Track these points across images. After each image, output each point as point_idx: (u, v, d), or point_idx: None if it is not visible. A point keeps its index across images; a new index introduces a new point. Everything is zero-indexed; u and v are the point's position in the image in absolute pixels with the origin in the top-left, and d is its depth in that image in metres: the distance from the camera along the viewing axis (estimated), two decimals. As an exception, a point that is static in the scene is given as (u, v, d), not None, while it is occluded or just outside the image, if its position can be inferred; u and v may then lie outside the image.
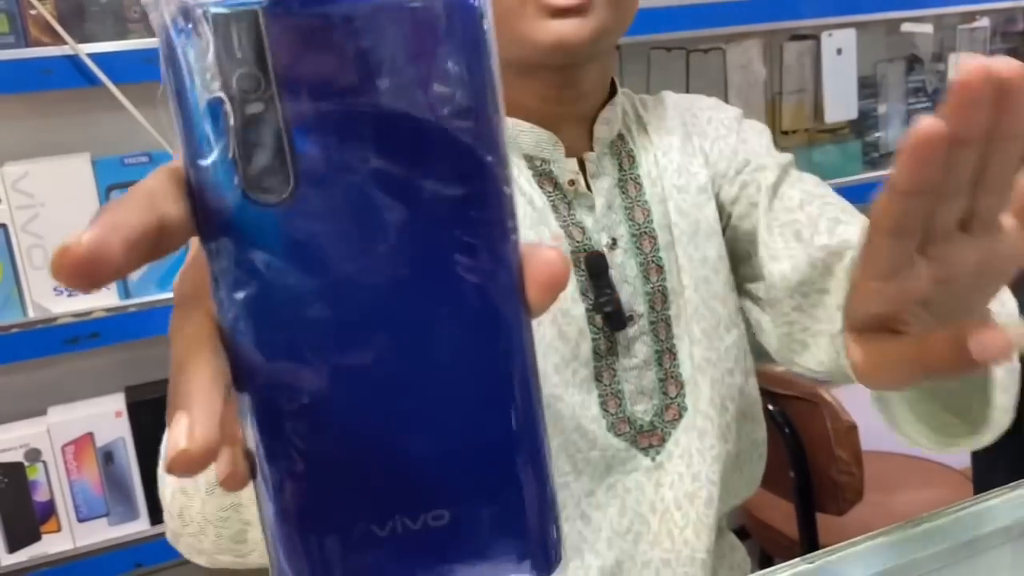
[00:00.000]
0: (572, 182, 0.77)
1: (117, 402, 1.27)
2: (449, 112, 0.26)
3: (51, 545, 1.26)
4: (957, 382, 0.59)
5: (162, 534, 1.30)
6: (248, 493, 0.56)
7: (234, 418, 0.27)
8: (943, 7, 1.80)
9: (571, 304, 0.76)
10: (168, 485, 0.62)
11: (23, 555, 1.24)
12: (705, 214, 0.81)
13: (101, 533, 1.28)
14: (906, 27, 1.83)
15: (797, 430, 1.37)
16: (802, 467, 1.37)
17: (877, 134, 1.81)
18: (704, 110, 0.86)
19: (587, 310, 0.76)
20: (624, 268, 0.78)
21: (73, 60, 1.19)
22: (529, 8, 0.69)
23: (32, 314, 1.21)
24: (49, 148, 1.24)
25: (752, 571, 0.76)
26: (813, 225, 0.76)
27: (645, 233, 0.79)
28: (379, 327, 0.26)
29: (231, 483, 0.27)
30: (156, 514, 1.29)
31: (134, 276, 1.25)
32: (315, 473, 0.27)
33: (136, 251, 0.25)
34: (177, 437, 0.25)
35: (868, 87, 1.78)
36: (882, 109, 1.81)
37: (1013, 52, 1.92)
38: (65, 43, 1.18)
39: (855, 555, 0.61)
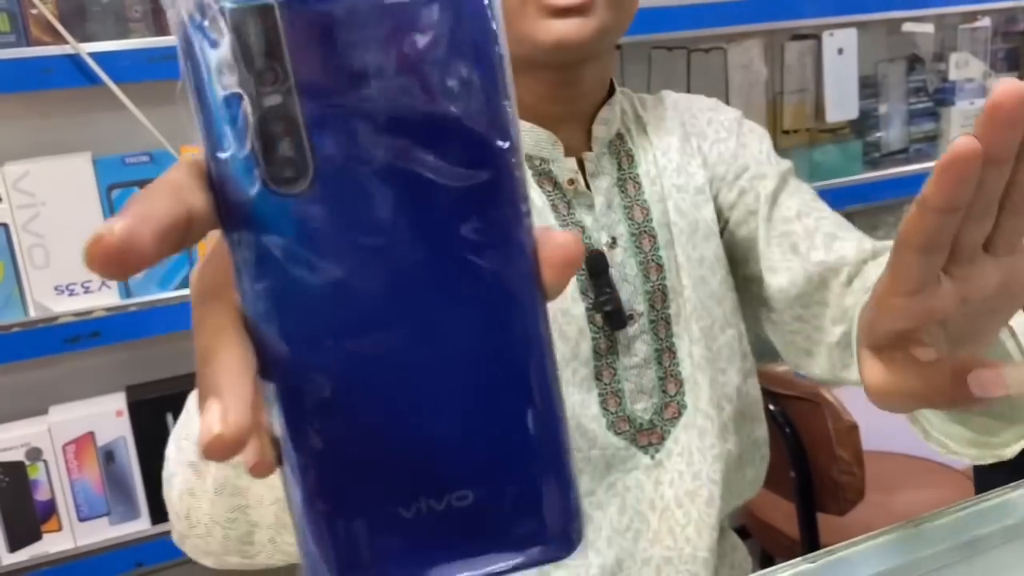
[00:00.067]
0: (571, 181, 0.77)
1: (118, 401, 1.27)
2: (462, 100, 0.26)
3: (52, 544, 1.26)
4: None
5: (163, 534, 1.31)
6: (255, 495, 0.56)
7: (261, 406, 0.27)
8: (944, 7, 1.80)
9: (571, 303, 0.76)
10: (174, 487, 0.61)
11: (24, 554, 1.25)
12: (703, 214, 0.81)
13: (102, 532, 1.28)
14: (907, 27, 1.83)
15: (798, 430, 1.37)
16: (803, 467, 1.37)
17: (878, 134, 1.81)
18: (704, 111, 0.86)
19: (587, 309, 0.76)
20: (624, 267, 0.78)
21: (74, 59, 1.19)
22: (530, 7, 0.69)
23: (33, 313, 1.21)
24: (50, 147, 1.24)
25: (753, 570, 0.76)
26: (810, 238, 0.77)
27: (644, 232, 0.79)
28: (400, 312, 0.27)
29: (259, 469, 0.28)
30: (157, 514, 1.29)
31: (136, 276, 1.25)
32: (341, 458, 0.27)
33: (166, 242, 0.25)
34: (211, 422, 0.25)
35: (869, 87, 1.78)
36: (883, 109, 1.81)
37: (1014, 52, 1.92)
38: (66, 42, 1.18)
39: (856, 555, 0.61)
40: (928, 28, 1.83)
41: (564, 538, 0.29)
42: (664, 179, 0.81)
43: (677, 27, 1.52)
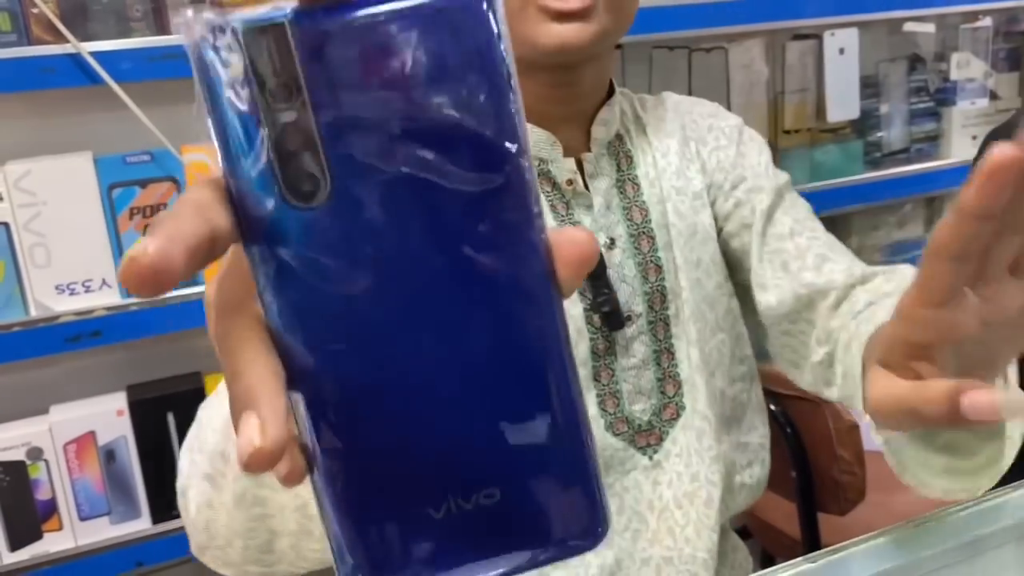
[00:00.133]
0: (570, 182, 0.77)
1: (119, 401, 1.27)
2: (472, 107, 0.27)
3: (52, 544, 1.26)
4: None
5: (164, 533, 1.31)
6: (275, 504, 0.56)
7: (290, 416, 0.28)
8: (945, 7, 1.80)
9: (568, 304, 0.76)
10: (191, 500, 0.61)
11: (24, 553, 1.25)
12: (701, 219, 0.81)
13: (102, 532, 1.28)
14: (908, 27, 1.83)
15: (799, 430, 1.37)
16: (804, 467, 1.37)
17: (879, 134, 1.81)
18: (705, 116, 0.86)
19: (585, 310, 0.76)
20: (622, 268, 0.78)
21: (75, 59, 1.19)
22: (531, 10, 0.69)
23: (34, 312, 1.21)
24: (51, 147, 1.24)
25: (754, 571, 0.76)
26: (801, 258, 0.78)
27: (643, 233, 0.79)
28: (421, 318, 0.28)
29: (292, 479, 0.28)
30: (158, 513, 1.29)
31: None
32: (370, 463, 0.28)
33: (194, 259, 0.26)
34: (251, 435, 0.26)
35: (870, 87, 1.78)
36: (884, 109, 1.81)
37: (1015, 52, 1.92)
38: (67, 42, 1.18)
39: (857, 555, 0.61)
40: (929, 28, 1.83)
41: (592, 529, 0.29)
42: (664, 181, 0.81)
43: (678, 27, 1.52)
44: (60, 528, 1.26)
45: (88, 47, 1.19)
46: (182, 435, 1.28)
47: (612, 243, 0.78)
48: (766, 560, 1.64)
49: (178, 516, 1.28)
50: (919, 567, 0.61)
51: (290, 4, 0.26)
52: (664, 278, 0.79)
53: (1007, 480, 0.69)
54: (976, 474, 0.58)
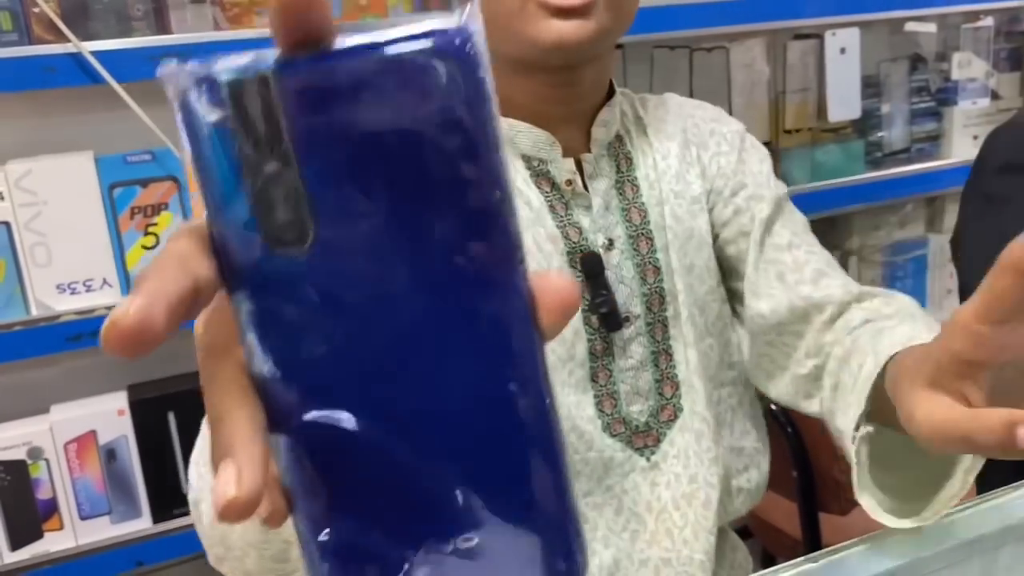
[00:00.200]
0: (569, 182, 0.77)
1: (120, 400, 1.27)
2: (454, 156, 0.27)
3: (53, 543, 1.26)
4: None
5: (164, 532, 1.31)
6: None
7: (270, 458, 0.28)
8: (947, 6, 1.80)
9: None
10: (204, 513, 0.62)
11: (25, 553, 1.25)
12: (698, 223, 0.81)
13: (103, 531, 1.28)
14: (910, 26, 1.82)
15: (800, 430, 1.37)
16: (805, 467, 1.37)
17: (880, 133, 1.80)
18: (707, 121, 0.85)
19: (583, 311, 0.76)
20: (620, 269, 0.78)
21: (76, 58, 1.19)
22: (531, 7, 0.69)
23: (35, 312, 1.21)
24: (52, 146, 1.24)
25: (754, 570, 0.76)
26: (798, 270, 0.78)
27: (642, 234, 0.79)
28: (403, 365, 0.28)
29: (273, 521, 0.29)
30: (158, 512, 1.29)
31: (137, 273, 1.25)
32: (349, 507, 0.28)
33: (176, 315, 0.26)
34: (226, 485, 0.26)
35: (871, 86, 1.78)
36: (885, 109, 1.80)
37: (1017, 52, 1.92)
38: (68, 41, 1.18)
39: (858, 555, 0.61)
40: (931, 28, 1.83)
41: (568, 569, 0.29)
42: (663, 183, 0.81)
43: (679, 26, 1.52)
44: (61, 527, 1.26)
45: (89, 46, 1.19)
46: (183, 435, 1.29)
47: (611, 244, 0.78)
48: (767, 560, 1.64)
49: (179, 516, 1.28)
50: (920, 567, 0.61)
51: (273, 54, 0.26)
52: (663, 279, 0.79)
53: (1007, 481, 0.69)
54: (929, 506, 0.61)
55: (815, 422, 1.35)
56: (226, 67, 0.26)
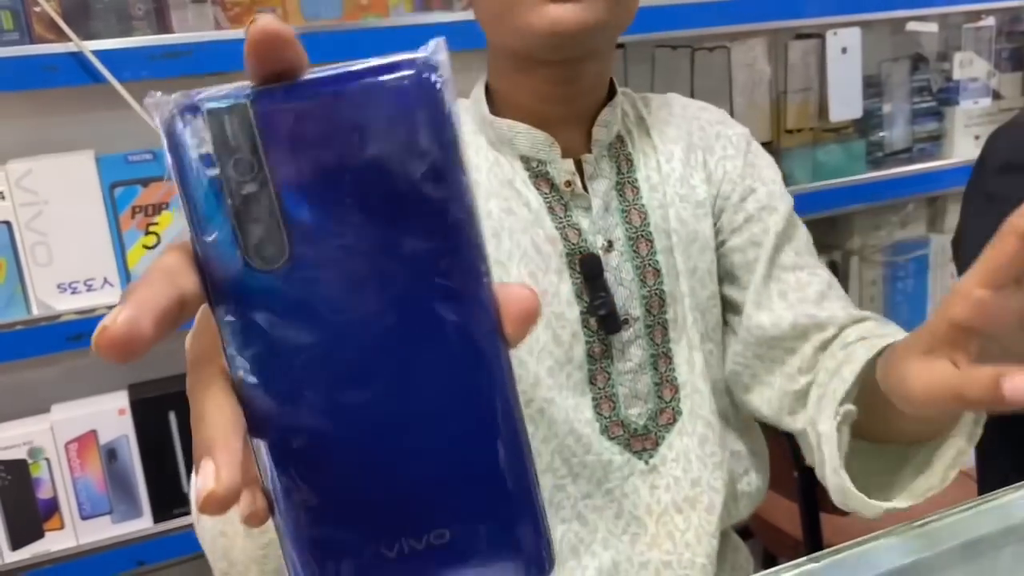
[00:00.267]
0: (568, 183, 0.77)
1: (120, 400, 1.27)
2: (421, 177, 0.29)
3: (54, 543, 1.26)
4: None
5: (165, 532, 1.31)
6: None
7: (252, 461, 0.30)
8: (948, 6, 1.80)
9: (565, 307, 0.76)
10: (206, 530, 0.62)
11: (26, 552, 1.25)
12: (702, 227, 0.80)
13: (104, 531, 1.28)
14: (911, 26, 1.82)
15: (801, 430, 1.36)
16: (805, 467, 1.37)
17: (881, 133, 1.80)
18: (712, 124, 0.85)
19: (581, 313, 0.76)
20: (620, 271, 0.77)
21: (77, 57, 1.19)
22: None
23: (36, 311, 1.21)
24: (53, 145, 1.24)
25: (756, 571, 0.76)
26: (801, 289, 0.79)
27: (642, 236, 0.78)
28: (375, 371, 0.30)
29: (254, 520, 0.30)
30: (159, 512, 1.29)
31: (138, 273, 1.25)
32: (327, 506, 0.30)
33: (163, 325, 0.28)
34: (205, 480, 0.28)
35: (873, 86, 1.78)
36: (886, 108, 1.80)
37: (1018, 52, 1.92)
38: (69, 40, 1.18)
39: (860, 555, 0.61)
40: (932, 27, 1.82)
41: (537, 563, 0.31)
42: (667, 186, 0.80)
43: (681, 26, 1.52)
44: (61, 527, 1.26)
45: (90, 46, 1.19)
46: (183, 434, 1.28)
47: (610, 245, 0.77)
48: (768, 560, 1.64)
49: (179, 515, 1.28)
50: (921, 567, 0.61)
51: (250, 85, 0.29)
52: (663, 282, 0.79)
53: (1008, 481, 0.69)
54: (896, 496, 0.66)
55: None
56: (208, 98, 0.29)
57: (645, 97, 0.85)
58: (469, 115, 0.81)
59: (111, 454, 1.26)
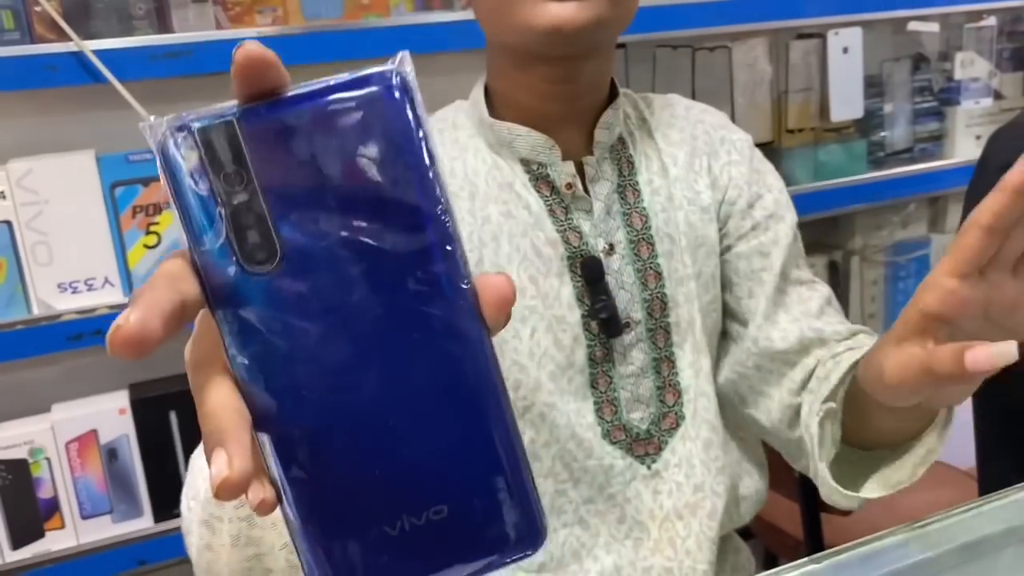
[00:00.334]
0: (569, 186, 0.76)
1: (121, 399, 1.27)
2: (394, 178, 0.32)
3: (54, 542, 1.26)
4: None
5: (165, 532, 1.31)
6: (267, 543, 0.58)
7: (258, 453, 0.32)
8: (949, 6, 1.79)
9: (567, 310, 0.75)
10: (193, 544, 0.63)
11: (26, 552, 1.25)
12: (708, 232, 0.80)
13: (104, 530, 1.28)
14: (912, 26, 1.82)
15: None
16: (806, 467, 1.37)
17: (883, 133, 1.80)
18: (717, 128, 0.84)
19: (583, 316, 0.76)
20: (621, 274, 0.77)
21: (78, 57, 1.19)
22: None
23: (36, 311, 1.21)
24: (53, 145, 1.24)
25: (757, 571, 0.76)
26: (804, 303, 0.79)
27: (643, 239, 0.78)
28: (367, 362, 0.32)
29: (263, 508, 0.32)
30: (159, 512, 1.29)
31: (139, 273, 1.25)
32: (330, 490, 0.32)
33: (169, 325, 0.31)
34: (220, 468, 0.30)
35: (874, 86, 1.77)
36: (888, 108, 1.80)
37: (1020, 51, 1.92)
38: (70, 40, 1.18)
39: (861, 556, 0.61)
40: (933, 27, 1.82)
41: (532, 535, 0.33)
42: (673, 189, 0.80)
43: (682, 25, 1.52)
44: (62, 526, 1.26)
45: (91, 45, 1.19)
46: (184, 434, 1.29)
47: (611, 248, 0.77)
48: (769, 561, 1.64)
49: (180, 515, 1.28)
50: (923, 568, 0.61)
51: (236, 104, 0.32)
52: (664, 285, 0.78)
53: (1009, 482, 0.69)
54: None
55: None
56: (197, 117, 0.31)
57: (646, 97, 0.85)
58: (468, 117, 0.81)
59: (111, 454, 1.26)
